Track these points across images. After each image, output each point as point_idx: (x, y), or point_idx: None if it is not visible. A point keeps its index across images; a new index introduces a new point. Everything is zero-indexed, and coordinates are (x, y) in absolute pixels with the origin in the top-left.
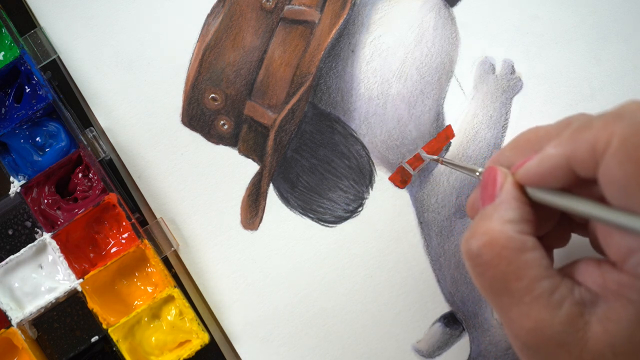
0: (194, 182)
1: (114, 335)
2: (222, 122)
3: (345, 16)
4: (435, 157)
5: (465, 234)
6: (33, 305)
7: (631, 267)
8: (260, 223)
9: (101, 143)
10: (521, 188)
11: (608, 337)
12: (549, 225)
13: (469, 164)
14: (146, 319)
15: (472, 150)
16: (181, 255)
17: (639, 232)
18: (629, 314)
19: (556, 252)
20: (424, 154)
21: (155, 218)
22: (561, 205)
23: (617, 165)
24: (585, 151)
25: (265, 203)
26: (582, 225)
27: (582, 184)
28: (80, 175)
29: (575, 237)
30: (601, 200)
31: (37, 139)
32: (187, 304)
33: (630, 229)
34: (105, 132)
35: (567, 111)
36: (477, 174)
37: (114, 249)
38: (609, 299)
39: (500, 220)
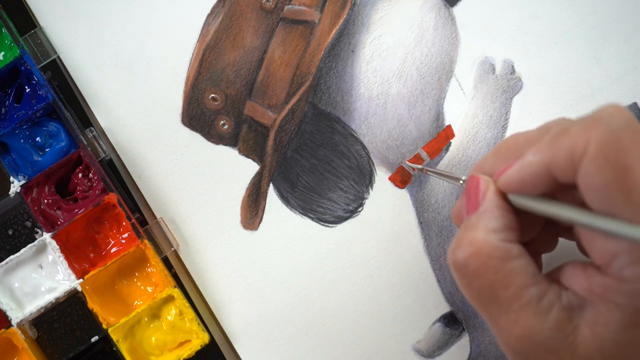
0: (194, 182)
1: (114, 335)
2: (222, 122)
3: (345, 16)
4: (419, 166)
5: (451, 245)
6: (33, 305)
7: (615, 270)
8: (260, 223)
9: (101, 143)
10: (504, 196)
11: (597, 341)
12: (534, 231)
13: (452, 172)
14: (146, 319)
15: (472, 150)
16: (181, 255)
17: (620, 236)
18: (615, 318)
19: (544, 255)
20: (423, 154)
21: (155, 218)
22: (543, 211)
23: (596, 170)
24: (564, 157)
25: (265, 203)
26: (568, 229)
27: (563, 189)
28: (80, 175)
29: (562, 241)
30: (582, 205)
31: (37, 139)
32: (187, 304)
33: (611, 233)
34: (105, 132)
35: (567, 111)
36: (461, 182)
37: (114, 249)
38: (595, 303)
39: (485, 230)
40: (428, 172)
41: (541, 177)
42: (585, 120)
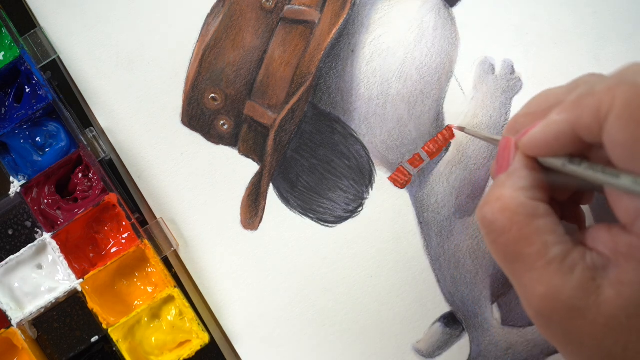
0: (194, 182)
1: (114, 335)
2: (222, 122)
3: (345, 16)
4: (462, 127)
5: (480, 202)
6: (33, 305)
7: None
8: (260, 223)
9: (101, 143)
10: (533, 157)
11: (621, 300)
12: (571, 188)
13: (492, 134)
14: (146, 319)
15: (472, 151)
16: (181, 255)
17: None
18: None
19: None
20: (423, 154)
21: (155, 218)
22: (569, 170)
23: (621, 127)
24: (589, 116)
25: (265, 203)
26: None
27: (588, 149)
28: (80, 175)
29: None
30: (608, 164)
31: (37, 139)
32: (187, 304)
33: (635, 192)
34: (105, 132)
35: None
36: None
37: (114, 249)
38: (620, 263)
39: (512, 187)
40: (468, 132)
41: (566, 137)
42: (610, 79)
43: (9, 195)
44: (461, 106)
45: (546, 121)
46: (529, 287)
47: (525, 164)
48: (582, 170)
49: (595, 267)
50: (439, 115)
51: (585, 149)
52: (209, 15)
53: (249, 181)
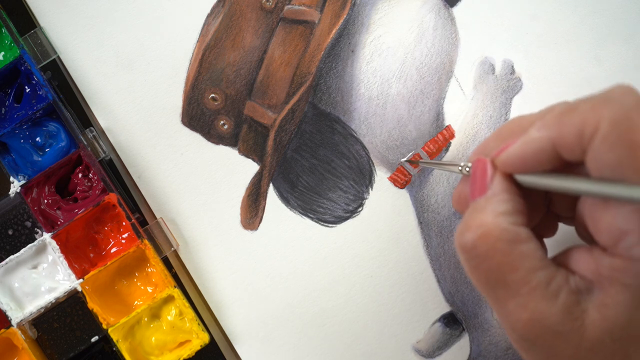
0: (194, 182)
1: (114, 335)
2: (222, 122)
3: (345, 16)
4: (413, 160)
5: (458, 227)
6: (33, 305)
7: (623, 250)
8: (260, 223)
9: (101, 143)
10: (511, 179)
11: (606, 323)
12: (537, 217)
13: (448, 161)
14: (146, 319)
15: (472, 150)
16: (181, 255)
17: (636, 200)
18: (625, 299)
19: (546, 241)
20: (423, 154)
21: (155, 218)
22: (554, 186)
23: (608, 149)
24: (572, 134)
25: (265, 203)
26: (568, 214)
27: (565, 167)
28: (80, 175)
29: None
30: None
31: (37, 139)
32: (187, 304)
33: (625, 198)
34: (105, 132)
35: None
36: (459, 168)
37: (114, 249)
38: (604, 286)
39: (494, 213)
40: (424, 165)
41: (545, 154)
42: (594, 98)
43: (9, 195)
44: (461, 106)
45: (525, 138)
46: (513, 313)
47: (505, 187)
48: (568, 184)
49: (580, 290)
50: (439, 115)
51: (562, 167)
52: (209, 15)
53: (249, 181)
